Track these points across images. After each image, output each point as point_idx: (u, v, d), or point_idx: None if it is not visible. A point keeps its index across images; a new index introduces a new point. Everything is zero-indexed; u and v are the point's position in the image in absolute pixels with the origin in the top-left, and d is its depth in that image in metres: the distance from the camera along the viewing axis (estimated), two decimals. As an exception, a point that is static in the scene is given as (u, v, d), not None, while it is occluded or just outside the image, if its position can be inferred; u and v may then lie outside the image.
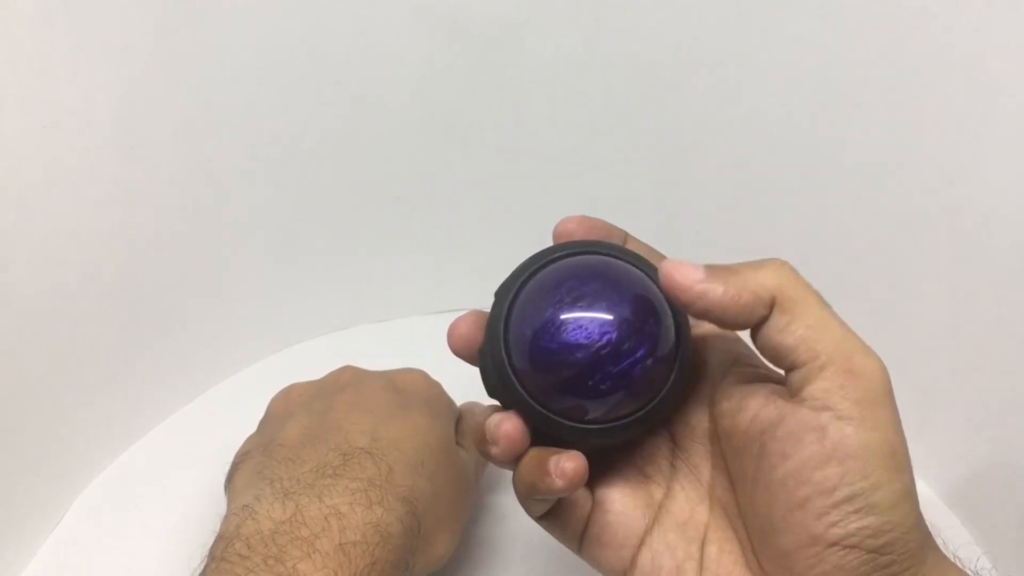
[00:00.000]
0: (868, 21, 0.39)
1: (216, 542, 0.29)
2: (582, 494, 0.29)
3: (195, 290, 0.47)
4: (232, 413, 0.39)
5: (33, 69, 0.37)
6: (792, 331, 0.25)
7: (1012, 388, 0.38)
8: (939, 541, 0.25)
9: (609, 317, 0.26)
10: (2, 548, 0.39)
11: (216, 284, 0.48)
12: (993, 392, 0.39)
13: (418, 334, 0.52)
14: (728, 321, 0.26)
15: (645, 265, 0.28)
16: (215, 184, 0.46)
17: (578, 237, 0.29)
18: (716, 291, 0.25)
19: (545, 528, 0.30)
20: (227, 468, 0.35)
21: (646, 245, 0.31)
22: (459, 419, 0.39)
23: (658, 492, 0.29)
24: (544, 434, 0.28)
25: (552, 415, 0.27)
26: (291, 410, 0.37)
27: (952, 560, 0.25)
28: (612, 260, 0.28)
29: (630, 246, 0.30)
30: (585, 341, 0.26)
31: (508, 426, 0.27)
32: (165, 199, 0.44)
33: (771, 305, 0.25)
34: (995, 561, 0.39)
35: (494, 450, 0.28)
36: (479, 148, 0.49)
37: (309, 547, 0.28)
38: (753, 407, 0.26)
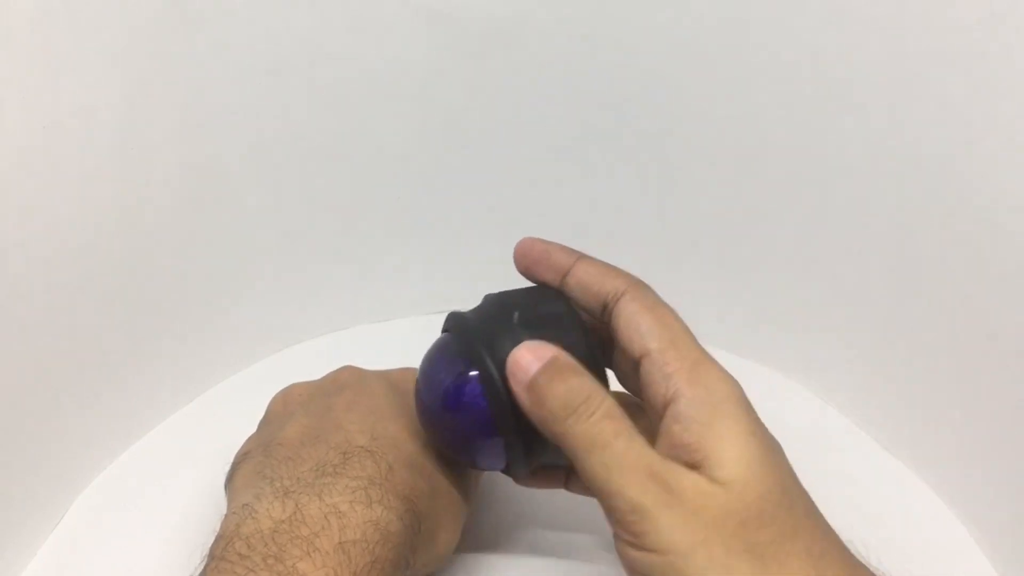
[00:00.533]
0: (869, 21, 0.39)
1: (216, 541, 0.29)
2: None
3: (195, 290, 0.47)
4: (232, 413, 0.39)
5: (33, 69, 0.37)
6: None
7: (1014, 387, 0.38)
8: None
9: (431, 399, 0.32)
10: (2, 548, 0.39)
11: (216, 284, 0.48)
12: (994, 391, 0.39)
13: (418, 334, 0.52)
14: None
15: (492, 341, 0.31)
16: (215, 184, 0.46)
17: (530, 256, 0.33)
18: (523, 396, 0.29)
19: None
20: (227, 468, 0.35)
21: (601, 264, 0.32)
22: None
23: None
24: None
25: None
26: (291, 410, 0.37)
27: None
28: (450, 343, 0.33)
29: (581, 266, 0.32)
30: (427, 417, 0.33)
31: None
32: (165, 199, 0.44)
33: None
34: (995, 561, 0.39)
35: None
36: (479, 148, 0.49)
37: (309, 546, 0.28)
38: None
